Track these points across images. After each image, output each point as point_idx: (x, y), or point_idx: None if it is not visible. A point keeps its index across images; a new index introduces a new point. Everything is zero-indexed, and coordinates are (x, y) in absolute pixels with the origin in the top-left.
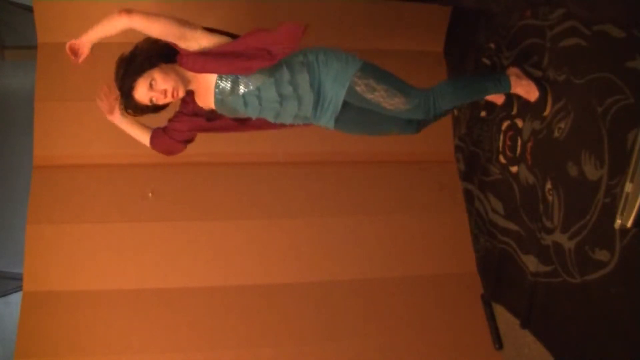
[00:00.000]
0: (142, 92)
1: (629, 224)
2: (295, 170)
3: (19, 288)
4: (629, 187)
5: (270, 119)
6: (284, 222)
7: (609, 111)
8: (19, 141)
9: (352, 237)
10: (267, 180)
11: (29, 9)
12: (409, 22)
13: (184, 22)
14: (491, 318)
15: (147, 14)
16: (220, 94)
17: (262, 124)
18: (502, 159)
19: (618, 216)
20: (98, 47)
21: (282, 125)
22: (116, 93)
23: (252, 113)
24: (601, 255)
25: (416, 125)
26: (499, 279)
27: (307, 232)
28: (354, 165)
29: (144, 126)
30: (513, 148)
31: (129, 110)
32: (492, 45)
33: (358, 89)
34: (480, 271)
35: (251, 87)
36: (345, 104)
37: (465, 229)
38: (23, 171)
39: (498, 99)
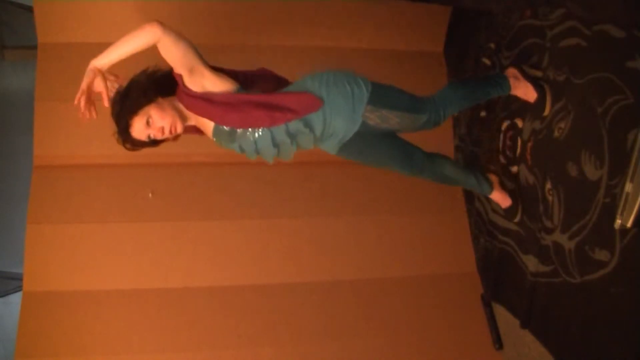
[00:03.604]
0: (139, 130)
1: (629, 224)
2: (295, 170)
3: (19, 288)
4: (629, 187)
5: (269, 162)
6: (284, 222)
7: (609, 111)
8: (19, 141)
9: (352, 237)
10: (267, 180)
11: (29, 9)
12: (409, 22)
13: (200, 57)
14: (491, 318)
15: (178, 34)
16: (216, 136)
17: None
18: (502, 159)
19: (618, 216)
20: (97, 47)
21: None
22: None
23: (249, 157)
24: (601, 255)
25: (412, 169)
26: (499, 279)
27: (307, 232)
28: (354, 165)
29: None
30: (513, 148)
31: (127, 145)
32: (492, 45)
33: (372, 122)
34: (480, 271)
35: (248, 138)
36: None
37: (465, 229)
38: (23, 171)
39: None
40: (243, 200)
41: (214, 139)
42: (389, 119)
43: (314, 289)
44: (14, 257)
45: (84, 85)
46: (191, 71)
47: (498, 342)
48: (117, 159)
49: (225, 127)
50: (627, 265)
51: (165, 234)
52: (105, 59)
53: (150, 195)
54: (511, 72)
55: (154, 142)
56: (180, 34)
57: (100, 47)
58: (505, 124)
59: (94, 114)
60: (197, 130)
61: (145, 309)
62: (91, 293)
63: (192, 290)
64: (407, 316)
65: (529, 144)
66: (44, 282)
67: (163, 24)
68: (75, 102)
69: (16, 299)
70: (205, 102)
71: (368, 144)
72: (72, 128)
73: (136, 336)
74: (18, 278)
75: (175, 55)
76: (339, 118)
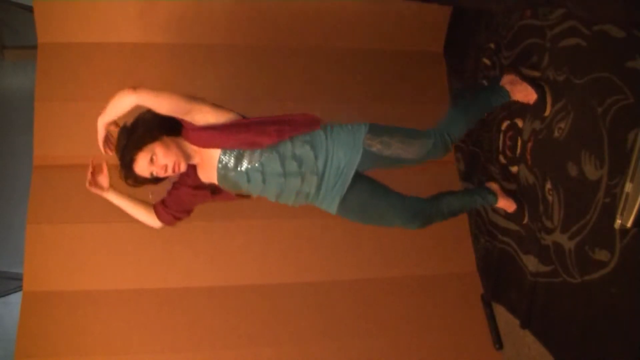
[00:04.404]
0: (142, 166)
1: (629, 224)
2: None
3: (19, 288)
4: (629, 187)
5: (272, 199)
6: (284, 222)
7: (609, 111)
8: (19, 141)
9: (352, 237)
10: None
11: (29, 9)
12: (409, 22)
13: (191, 98)
14: (491, 318)
15: (154, 90)
16: (223, 169)
17: None
18: (502, 159)
19: (618, 216)
20: (97, 47)
21: None
22: (104, 170)
23: (254, 189)
24: (601, 255)
25: (421, 221)
26: (499, 279)
27: (307, 232)
28: None
29: (139, 200)
30: (513, 148)
31: (129, 181)
32: (492, 45)
33: (374, 149)
34: (480, 271)
35: (255, 164)
36: (352, 188)
37: (465, 229)
38: (23, 171)
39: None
40: (243, 200)
41: (219, 178)
42: (391, 145)
43: (314, 289)
44: (14, 257)
45: (101, 139)
46: (190, 113)
47: (498, 342)
48: (117, 160)
49: (231, 157)
50: (627, 265)
51: (165, 234)
52: (107, 118)
53: (150, 195)
54: (507, 78)
55: (155, 180)
56: (158, 90)
57: (100, 47)
58: (505, 124)
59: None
60: (203, 189)
61: (145, 309)
62: (91, 293)
63: (192, 290)
64: (407, 316)
65: (529, 144)
66: (44, 282)
67: (136, 88)
68: (103, 153)
69: (16, 299)
70: (210, 131)
71: (370, 195)
72: (72, 128)
73: (136, 336)
74: (18, 278)
75: (163, 110)
76: (341, 149)
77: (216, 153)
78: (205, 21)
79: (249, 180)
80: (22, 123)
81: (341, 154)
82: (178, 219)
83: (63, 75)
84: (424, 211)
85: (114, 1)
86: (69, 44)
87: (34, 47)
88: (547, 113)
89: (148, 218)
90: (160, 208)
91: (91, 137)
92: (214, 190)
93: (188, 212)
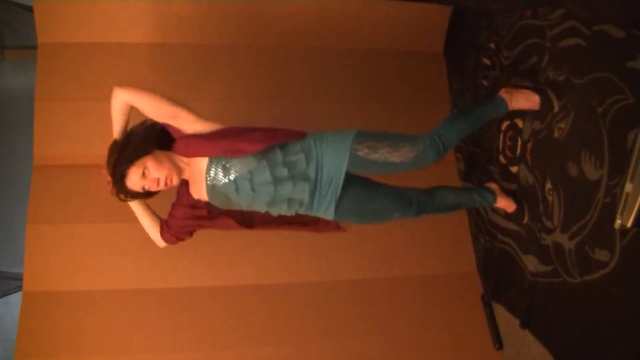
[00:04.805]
0: (134, 180)
1: (629, 224)
2: None
3: (19, 288)
4: (629, 187)
5: (263, 208)
6: None
7: (609, 111)
8: (19, 141)
9: (352, 237)
10: None
11: (29, 9)
12: (409, 22)
13: (178, 103)
14: (491, 318)
15: (140, 88)
16: (211, 182)
17: (265, 222)
18: (502, 159)
19: (618, 216)
20: (97, 47)
21: (285, 224)
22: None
23: (243, 200)
24: (601, 255)
25: (416, 209)
26: (499, 279)
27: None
28: None
29: (154, 215)
30: (513, 148)
31: (121, 195)
32: (492, 45)
33: (360, 153)
34: (480, 271)
35: (243, 172)
36: (345, 190)
37: (465, 229)
38: (23, 171)
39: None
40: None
41: (208, 191)
42: (378, 148)
43: (313, 289)
44: (14, 257)
45: None
46: (176, 118)
47: (498, 342)
48: None
49: (218, 167)
50: (627, 265)
51: None
52: (117, 128)
53: None
54: (503, 90)
55: (148, 194)
56: (144, 90)
57: (100, 47)
58: (505, 124)
59: None
60: (200, 209)
61: (145, 309)
62: (91, 293)
63: (192, 290)
64: (407, 316)
65: (529, 144)
66: (44, 282)
67: (121, 85)
68: None
69: (16, 299)
70: (196, 138)
71: (364, 197)
72: (72, 128)
73: (136, 336)
74: (18, 278)
75: (149, 109)
76: (329, 155)
77: (204, 165)
78: (205, 21)
79: (237, 190)
80: (22, 123)
81: (329, 160)
82: (180, 239)
83: (63, 75)
84: (418, 200)
85: (114, 1)
86: (69, 44)
87: (34, 47)
88: (556, 109)
89: (155, 235)
90: (164, 227)
91: (91, 137)
92: (210, 212)
93: (190, 233)
